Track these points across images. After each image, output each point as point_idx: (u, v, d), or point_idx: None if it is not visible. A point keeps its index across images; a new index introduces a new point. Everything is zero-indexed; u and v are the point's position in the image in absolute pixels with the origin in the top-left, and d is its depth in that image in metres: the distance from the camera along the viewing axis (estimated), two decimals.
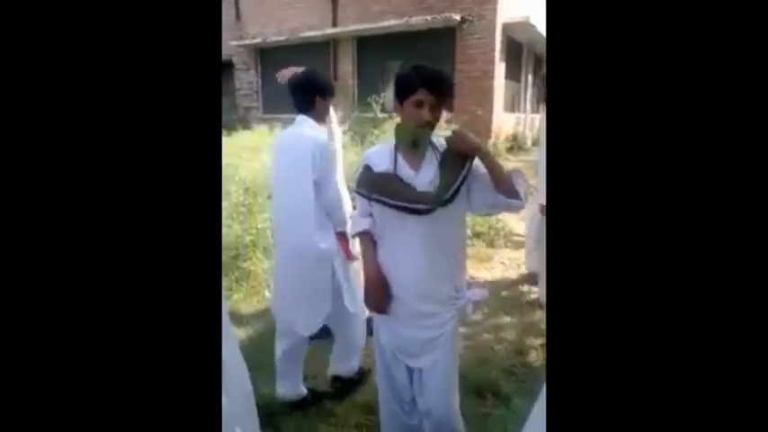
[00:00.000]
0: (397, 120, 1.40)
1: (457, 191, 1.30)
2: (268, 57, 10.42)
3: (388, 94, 7.27)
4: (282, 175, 1.87)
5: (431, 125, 1.30)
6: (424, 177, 1.34)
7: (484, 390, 2.04)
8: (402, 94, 1.31)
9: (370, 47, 9.19)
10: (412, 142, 1.32)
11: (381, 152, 1.43)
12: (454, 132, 1.30)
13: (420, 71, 1.28)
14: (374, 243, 1.46)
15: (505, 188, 1.30)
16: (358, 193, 1.43)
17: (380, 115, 6.94)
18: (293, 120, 1.90)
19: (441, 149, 1.35)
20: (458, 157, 1.30)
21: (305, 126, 1.83)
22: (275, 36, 9.93)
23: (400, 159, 1.37)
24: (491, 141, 7.69)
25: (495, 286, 3.25)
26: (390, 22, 8.51)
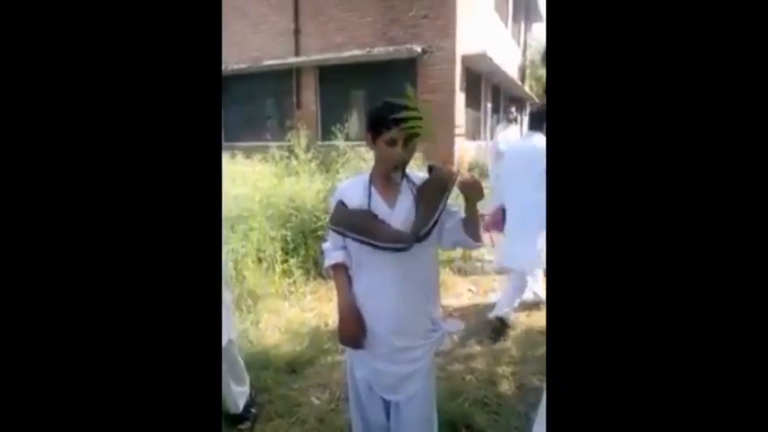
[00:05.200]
0: (362, 149, 1.40)
1: (433, 227, 1.27)
2: (230, 85, 10.34)
3: (352, 124, 7.33)
4: None
5: (404, 163, 1.28)
6: (400, 213, 1.32)
7: (458, 423, 1.98)
8: (375, 131, 1.27)
9: (333, 76, 9.29)
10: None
11: (355, 186, 1.38)
12: (469, 179, 1.25)
13: (393, 109, 1.24)
14: (348, 277, 1.42)
15: (473, 232, 1.33)
16: (332, 230, 1.38)
17: (344, 144, 6.96)
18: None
19: (417, 184, 1.33)
20: (434, 194, 1.28)
21: None
22: (237, 64, 9.88)
23: (375, 194, 1.34)
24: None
25: (463, 314, 3.22)
26: (353, 53, 8.66)
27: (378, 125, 1.26)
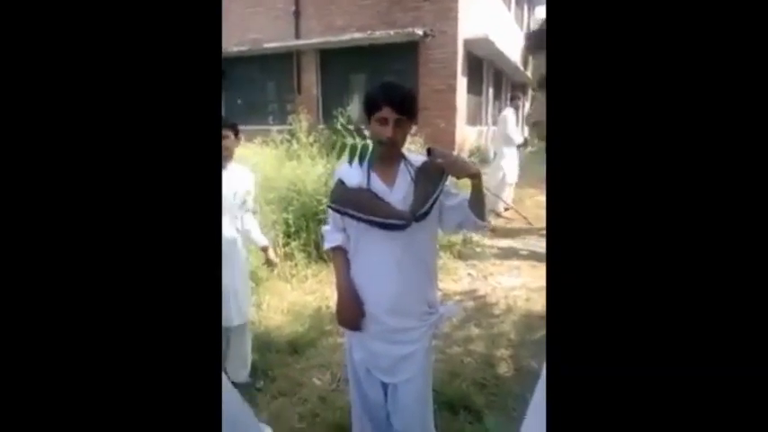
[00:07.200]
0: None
1: (431, 206, 1.30)
2: (230, 67, 10.24)
3: (353, 107, 7.29)
4: None
5: (393, 141, 1.31)
6: (398, 193, 1.35)
7: (456, 404, 2.02)
8: (369, 111, 1.33)
9: (334, 59, 9.20)
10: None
11: (354, 167, 1.39)
12: (450, 157, 1.29)
13: (385, 89, 1.31)
14: (347, 259, 1.44)
15: (479, 211, 1.36)
16: (331, 207, 1.41)
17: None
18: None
19: (415, 166, 1.36)
20: (432, 174, 1.32)
21: None
22: (237, 47, 9.78)
23: (374, 175, 1.36)
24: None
25: (462, 298, 3.26)
26: (354, 36, 8.56)
27: (371, 105, 1.31)
